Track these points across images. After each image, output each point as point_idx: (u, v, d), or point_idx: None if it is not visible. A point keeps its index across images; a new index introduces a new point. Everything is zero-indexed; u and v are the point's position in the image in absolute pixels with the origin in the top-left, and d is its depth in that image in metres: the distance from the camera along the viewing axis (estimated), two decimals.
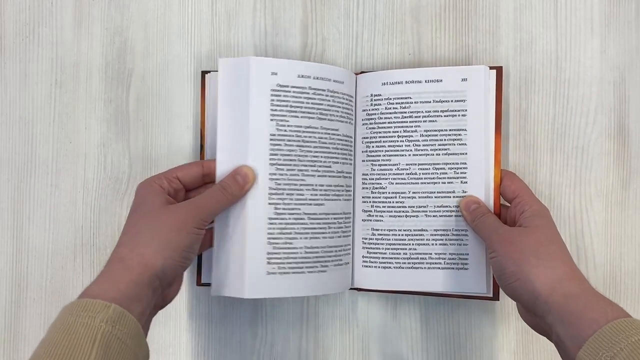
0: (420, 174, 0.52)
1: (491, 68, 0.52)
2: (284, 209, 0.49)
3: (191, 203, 0.45)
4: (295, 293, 0.50)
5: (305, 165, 0.50)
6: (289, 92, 0.50)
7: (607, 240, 0.56)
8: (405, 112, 0.52)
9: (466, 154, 0.51)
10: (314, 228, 0.50)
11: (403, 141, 0.52)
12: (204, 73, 0.55)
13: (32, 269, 0.58)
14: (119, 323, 0.37)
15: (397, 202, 0.53)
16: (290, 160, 0.50)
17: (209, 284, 0.52)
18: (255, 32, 0.58)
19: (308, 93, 0.50)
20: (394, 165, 0.53)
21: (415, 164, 0.52)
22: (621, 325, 0.37)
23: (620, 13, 0.56)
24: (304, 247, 0.50)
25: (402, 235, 0.52)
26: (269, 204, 0.49)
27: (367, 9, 0.57)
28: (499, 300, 0.52)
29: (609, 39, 0.56)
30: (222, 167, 0.49)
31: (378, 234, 0.53)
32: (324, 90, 0.51)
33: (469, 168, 0.51)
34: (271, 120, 0.49)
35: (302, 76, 0.50)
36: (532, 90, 0.56)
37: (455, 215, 0.52)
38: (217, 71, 0.51)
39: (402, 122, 0.53)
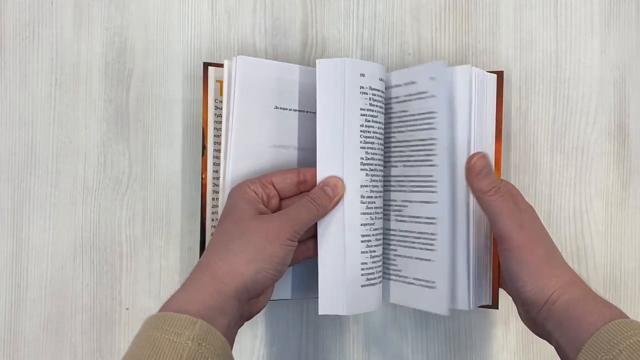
0: (401, 182, 0.50)
1: (492, 72, 0.50)
2: (373, 213, 0.48)
3: (284, 214, 0.43)
4: (376, 306, 0.48)
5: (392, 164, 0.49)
6: (375, 94, 0.48)
7: (607, 240, 0.56)
8: (389, 119, 0.50)
9: (437, 165, 0.46)
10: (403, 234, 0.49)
11: (390, 147, 0.50)
12: (206, 65, 0.52)
13: (32, 269, 0.58)
14: (205, 341, 0.36)
15: (383, 210, 0.50)
16: (379, 160, 0.48)
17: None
18: (255, 32, 0.58)
19: (383, 96, 0.49)
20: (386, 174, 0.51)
21: (399, 174, 0.50)
22: (619, 327, 0.37)
23: (620, 13, 0.56)
24: (391, 255, 0.49)
25: (385, 245, 0.50)
26: (361, 214, 0.47)
27: (367, 9, 0.57)
28: (498, 309, 0.51)
29: (609, 39, 0.56)
30: (322, 176, 0.47)
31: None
32: (411, 95, 0.49)
33: (439, 178, 0.47)
34: (361, 115, 0.47)
35: (382, 79, 0.49)
36: (532, 90, 0.56)
37: (425, 223, 0.48)
38: (221, 65, 0.50)
39: (388, 128, 0.50)
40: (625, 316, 0.38)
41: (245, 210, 0.43)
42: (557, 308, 0.40)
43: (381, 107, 0.49)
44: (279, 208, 0.46)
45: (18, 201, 0.58)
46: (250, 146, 0.49)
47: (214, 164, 0.52)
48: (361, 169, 0.47)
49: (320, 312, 0.46)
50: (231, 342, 0.41)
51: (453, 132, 0.47)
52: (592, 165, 0.56)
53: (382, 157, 0.49)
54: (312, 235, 0.48)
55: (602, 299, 0.40)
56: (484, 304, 0.50)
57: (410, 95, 0.49)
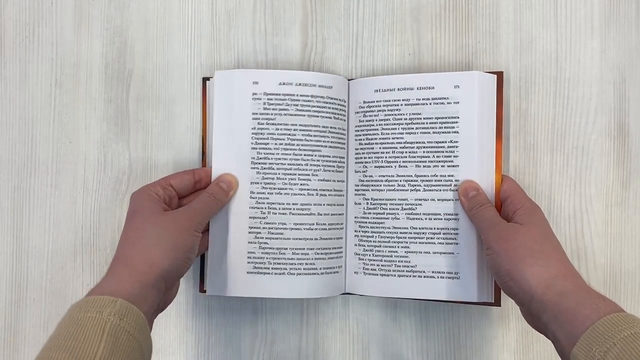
0: (413, 182, 0.52)
1: (491, 73, 0.52)
2: (265, 208, 0.52)
3: (188, 208, 0.47)
4: (274, 294, 0.52)
5: (290, 164, 0.52)
6: (271, 98, 0.52)
7: (607, 240, 0.56)
8: (397, 120, 0.52)
9: (458, 166, 0.50)
10: (299, 229, 0.52)
11: (396, 149, 0.52)
12: (204, 80, 0.55)
13: (32, 269, 0.58)
14: (126, 316, 0.38)
15: (390, 209, 0.52)
16: (274, 159, 0.52)
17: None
18: (255, 32, 0.58)
19: (292, 97, 0.52)
20: (385, 174, 0.52)
21: (412, 174, 0.52)
22: (614, 320, 0.37)
23: (620, 13, 0.56)
24: (288, 248, 0.52)
25: (393, 243, 0.52)
26: (250, 207, 0.52)
27: (367, 9, 0.57)
28: (500, 306, 0.52)
29: (609, 39, 0.56)
30: (217, 174, 0.52)
31: (371, 241, 0.53)
32: (308, 95, 0.52)
33: (461, 177, 0.51)
34: (253, 119, 0.52)
35: (284, 83, 0.52)
36: (532, 90, 0.56)
37: (446, 223, 0.51)
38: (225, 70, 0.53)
39: (393, 130, 0.52)
40: (621, 310, 0.39)
41: (152, 208, 0.46)
42: (549, 301, 0.40)
43: (283, 110, 0.52)
44: (179, 206, 0.50)
45: (18, 201, 0.58)
46: (231, 157, 0.53)
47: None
48: (252, 168, 0.52)
49: (208, 293, 0.52)
50: (149, 329, 0.42)
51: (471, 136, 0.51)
52: (592, 165, 0.56)
53: (290, 150, 0.52)
54: (207, 229, 0.52)
55: (596, 292, 0.41)
56: (487, 300, 0.51)
57: (426, 99, 0.52)
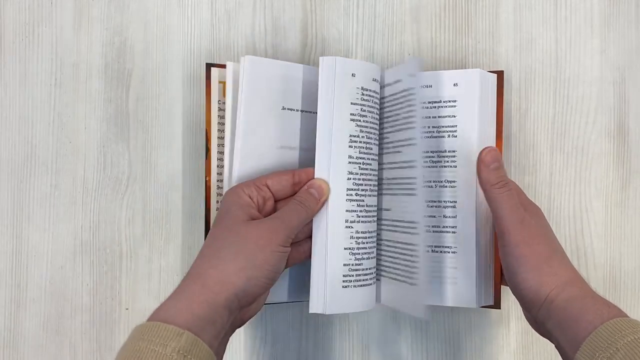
0: (411, 183, 0.50)
1: (492, 72, 0.51)
2: (361, 212, 0.48)
3: (274, 219, 0.43)
4: (368, 307, 0.48)
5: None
6: (366, 95, 0.48)
7: (607, 240, 0.56)
8: (395, 119, 0.51)
9: (457, 166, 0.50)
10: (379, 239, 0.49)
11: (394, 149, 0.50)
12: (208, 66, 0.52)
13: (32, 269, 0.58)
14: (191, 353, 0.36)
15: (383, 213, 0.51)
16: (369, 160, 0.48)
17: None
18: (255, 32, 0.58)
19: (375, 96, 0.49)
20: (382, 176, 0.51)
21: (410, 175, 0.49)
22: (617, 325, 0.37)
23: (620, 13, 0.56)
24: (376, 258, 0.49)
25: (395, 248, 0.50)
26: (347, 211, 0.47)
27: (367, 9, 0.57)
28: (500, 309, 0.51)
29: (609, 39, 0.56)
30: (319, 175, 0.47)
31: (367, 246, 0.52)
32: (378, 93, 0.49)
33: (459, 178, 0.50)
34: (351, 121, 0.47)
35: (375, 80, 0.49)
36: (532, 90, 0.56)
37: (444, 228, 0.50)
38: (224, 66, 0.50)
39: (391, 129, 0.51)
40: (624, 315, 0.38)
41: (237, 216, 0.42)
42: (555, 307, 0.40)
43: (373, 109, 0.49)
44: (274, 210, 0.46)
45: (18, 201, 0.58)
46: (257, 147, 0.48)
47: (217, 166, 0.52)
48: (348, 171, 0.47)
49: (311, 311, 0.46)
50: (221, 352, 0.40)
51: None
52: (592, 165, 0.56)
53: (374, 158, 0.49)
54: (308, 236, 0.47)
55: (602, 298, 0.40)
56: (486, 303, 0.50)
57: (424, 98, 0.50)
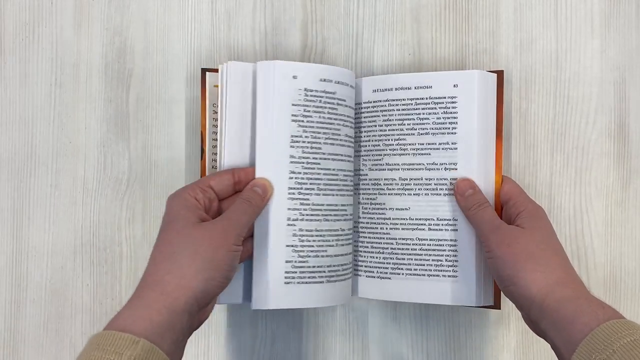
0: (411, 184, 0.51)
1: (492, 72, 0.51)
2: (305, 210, 0.49)
3: (224, 219, 0.43)
4: (315, 304, 0.49)
5: (328, 165, 0.49)
6: (310, 96, 0.49)
7: (607, 240, 0.56)
8: (395, 121, 0.52)
9: (457, 168, 0.50)
10: (337, 233, 0.50)
11: (393, 150, 0.52)
12: (204, 70, 0.53)
13: (32, 269, 0.58)
14: None
15: (386, 212, 0.52)
16: (312, 159, 0.49)
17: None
18: (255, 32, 0.58)
19: (330, 96, 0.49)
20: (383, 176, 0.52)
21: (410, 176, 0.51)
22: (613, 327, 0.36)
23: (620, 13, 0.56)
24: (331, 255, 0.49)
25: (391, 245, 0.52)
26: (289, 209, 0.48)
27: (367, 9, 0.57)
28: (500, 309, 0.51)
29: (609, 39, 0.56)
30: (260, 174, 0.48)
31: (366, 243, 0.53)
32: (336, 93, 0.50)
33: (459, 177, 0.50)
34: (292, 121, 0.48)
35: (324, 80, 0.49)
36: (532, 90, 0.56)
37: (444, 226, 0.50)
38: (216, 70, 0.50)
39: (391, 131, 0.52)
40: (620, 316, 0.38)
41: (187, 219, 0.42)
42: (548, 307, 0.40)
43: (324, 109, 0.49)
44: (219, 210, 0.46)
45: (18, 201, 0.58)
46: (242, 148, 0.49)
47: (212, 167, 0.52)
48: (290, 170, 0.48)
49: (253, 307, 0.47)
50: (179, 355, 0.40)
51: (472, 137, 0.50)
52: (592, 165, 0.56)
53: (327, 158, 0.50)
54: (251, 234, 0.48)
55: (596, 299, 0.40)
56: (486, 303, 0.50)
57: (424, 99, 0.51)
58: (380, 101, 0.52)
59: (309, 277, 0.48)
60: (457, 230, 0.50)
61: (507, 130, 0.56)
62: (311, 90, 0.49)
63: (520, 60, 0.56)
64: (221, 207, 0.46)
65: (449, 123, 0.50)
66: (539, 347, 0.55)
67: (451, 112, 0.50)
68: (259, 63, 0.48)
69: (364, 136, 0.53)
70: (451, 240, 0.50)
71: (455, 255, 0.50)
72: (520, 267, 0.42)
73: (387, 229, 0.52)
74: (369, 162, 0.53)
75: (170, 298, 0.39)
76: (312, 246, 0.48)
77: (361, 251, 0.53)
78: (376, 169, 0.52)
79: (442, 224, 0.50)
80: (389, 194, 0.52)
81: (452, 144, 0.50)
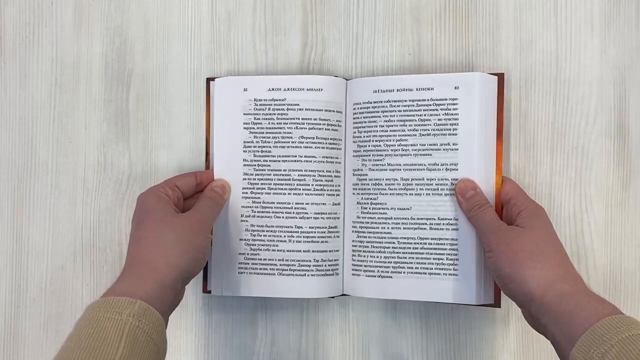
0: (412, 185, 0.52)
1: (492, 74, 0.52)
2: (257, 208, 0.54)
3: (197, 211, 0.49)
4: (266, 294, 0.53)
5: (283, 166, 0.53)
6: (260, 104, 0.54)
7: (607, 240, 0.56)
8: (396, 122, 0.52)
9: (458, 168, 0.50)
10: (290, 230, 0.53)
11: (394, 151, 0.52)
12: (208, 80, 0.55)
13: (32, 269, 0.58)
14: (145, 317, 0.39)
15: (387, 212, 0.52)
16: (265, 162, 0.53)
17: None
18: (255, 32, 0.58)
19: (281, 102, 0.53)
20: (383, 176, 0.52)
21: (411, 177, 0.51)
22: (612, 322, 0.37)
23: (620, 13, 0.56)
24: (283, 250, 0.53)
25: (392, 245, 0.52)
26: (242, 207, 0.54)
27: (367, 9, 0.57)
28: (500, 307, 0.52)
29: (609, 39, 0.56)
30: (218, 176, 0.54)
31: (366, 242, 0.53)
32: (298, 99, 0.53)
33: (460, 177, 0.50)
34: (244, 125, 0.54)
35: (273, 89, 0.53)
36: (532, 90, 0.56)
37: (445, 226, 0.51)
38: (221, 77, 0.55)
39: (393, 131, 0.52)
40: (620, 312, 0.39)
41: (165, 210, 0.47)
42: (549, 302, 0.41)
43: (273, 115, 0.53)
44: (184, 208, 0.51)
45: (18, 201, 0.58)
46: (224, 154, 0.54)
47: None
48: (243, 172, 0.54)
49: (213, 293, 0.54)
50: (165, 328, 0.43)
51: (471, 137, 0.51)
52: (592, 165, 0.56)
53: (277, 160, 0.53)
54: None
55: (596, 295, 0.41)
56: (486, 302, 0.51)
57: (425, 100, 0.51)
58: (382, 102, 0.52)
59: (260, 269, 0.53)
60: (458, 229, 0.50)
61: (507, 130, 0.56)
62: (260, 100, 0.54)
63: (520, 60, 0.56)
64: (185, 206, 0.51)
65: (450, 124, 0.50)
66: (538, 347, 0.55)
67: (452, 114, 0.50)
68: (217, 80, 0.54)
69: (364, 136, 0.53)
70: (452, 239, 0.50)
71: (456, 254, 0.50)
72: (520, 264, 0.43)
73: (388, 228, 0.52)
74: (369, 162, 0.53)
75: (160, 274, 0.43)
76: (263, 240, 0.53)
77: (361, 251, 0.53)
78: (377, 169, 0.52)
79: (443, 224, 0.51)
80: (390, 194, 0.52)
81: (453, 144, 0.50)
